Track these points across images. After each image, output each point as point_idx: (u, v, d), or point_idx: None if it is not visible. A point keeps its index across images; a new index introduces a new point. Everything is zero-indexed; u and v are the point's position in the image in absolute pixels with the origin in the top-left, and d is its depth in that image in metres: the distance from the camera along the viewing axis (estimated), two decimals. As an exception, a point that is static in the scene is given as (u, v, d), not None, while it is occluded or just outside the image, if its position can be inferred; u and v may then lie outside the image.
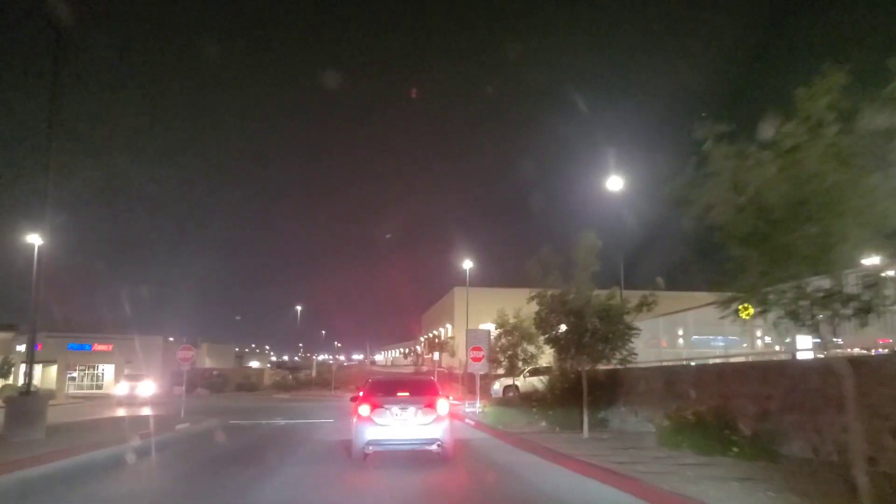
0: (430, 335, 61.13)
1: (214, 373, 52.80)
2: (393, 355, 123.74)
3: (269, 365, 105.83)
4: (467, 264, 55.15)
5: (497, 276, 61.17)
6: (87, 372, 64.67)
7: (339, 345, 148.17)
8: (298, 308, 76.02)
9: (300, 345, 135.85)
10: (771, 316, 7.28)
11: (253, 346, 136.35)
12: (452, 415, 13.79)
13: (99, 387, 63.76)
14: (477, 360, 22.17)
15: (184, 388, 24.12)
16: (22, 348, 58.29)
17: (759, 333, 14.29)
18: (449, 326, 63.77)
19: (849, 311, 6.67)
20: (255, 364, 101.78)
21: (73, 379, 63.89)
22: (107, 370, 64.79)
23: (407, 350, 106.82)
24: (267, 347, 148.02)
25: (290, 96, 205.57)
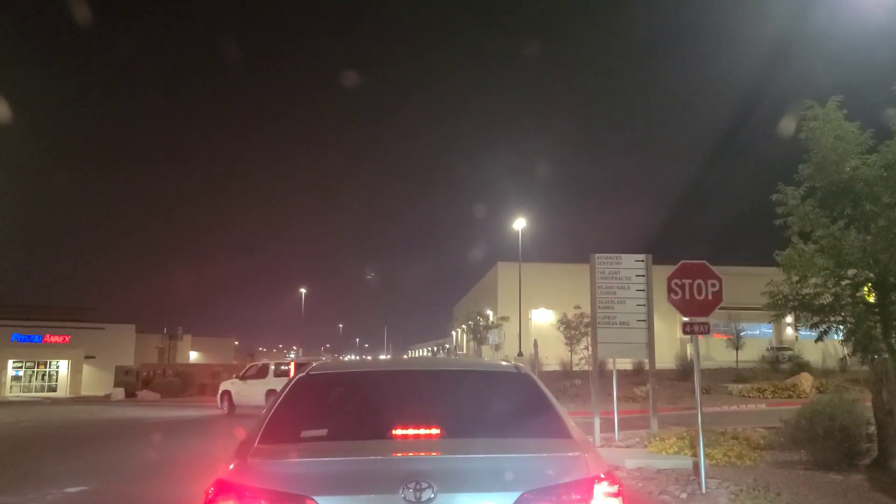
0: (470, 323, 46.85)
1: (169, 371, 39.36)
2: (421, 354, 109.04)
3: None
4: (519, 224, 40.96)
5: (543, 253, 48.09)
6: (35, 370, 51.58)
7: (367, 345, 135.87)
8: (303, 291, 62.57)
9: (326, 345, 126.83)
10: None
11: (280, 345, 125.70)
12: None
13: (52, 388, 50.74)
14: (705, 304, 6.48)
15: None
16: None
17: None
18: (490, 313, 49.64)
19: None
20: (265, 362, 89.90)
21: (19, 378, 50.86)
22: (62, 367, 51.68)
23: (435, 348, 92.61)
24: (294, 347, 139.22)
25: (314, 93, 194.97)
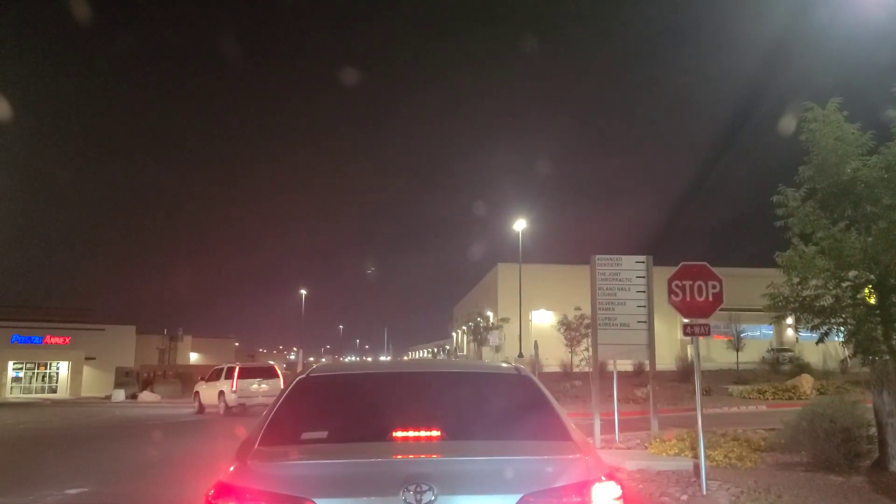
0: (470, 324, 46.80)
1: (169, 373, 39.47)
2: (421, 355, 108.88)
3: (284, 366, 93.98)
4: (519, 225, 40.89)
5: (543, 254, 48.18)
6: (35, 371, 51.53)
7: (367, 346, 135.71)
8: (303, 292, 62.52)
9: (326, 346, 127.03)
10: None
11: (280, 347, 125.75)
12: None
13: (53, 389, 50.68)
14: (706, 305, 6.51)
15: None
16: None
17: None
18: (490, 314, 49.64)
19: None
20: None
21: (19, 379, 50.82)
22: (62, 368, 51.61)
23: (436, 349, 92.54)
24: (294, 348, 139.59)
25: (314, 91, 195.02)
